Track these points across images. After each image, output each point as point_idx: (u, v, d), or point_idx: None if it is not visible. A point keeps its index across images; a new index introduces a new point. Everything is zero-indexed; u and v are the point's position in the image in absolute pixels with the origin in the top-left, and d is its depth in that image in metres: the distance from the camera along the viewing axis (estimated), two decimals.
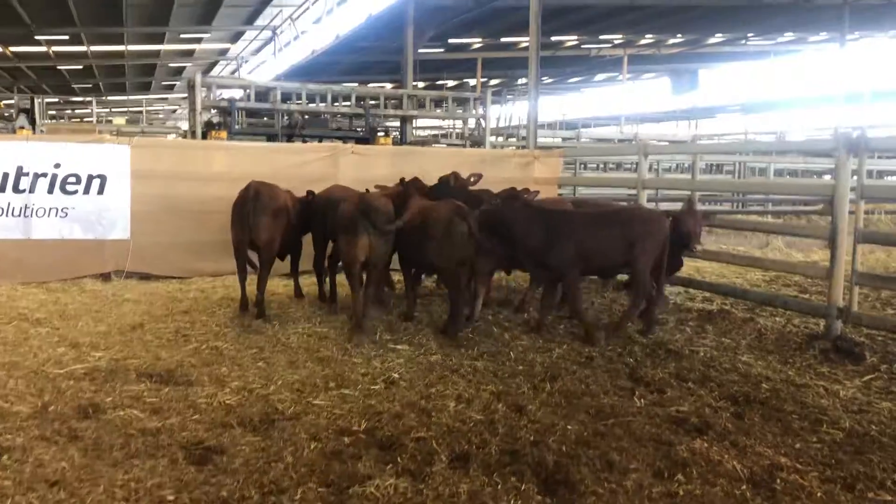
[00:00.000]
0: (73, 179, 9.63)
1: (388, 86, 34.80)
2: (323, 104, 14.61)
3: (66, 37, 31.00)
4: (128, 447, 4.29)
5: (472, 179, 8.80)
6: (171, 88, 52.04)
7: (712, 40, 30.45)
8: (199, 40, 35.25)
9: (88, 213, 9.71)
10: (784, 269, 8.19)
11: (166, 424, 4.64)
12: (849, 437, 4.78)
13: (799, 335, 7.28)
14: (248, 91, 14.57)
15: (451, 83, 41.02)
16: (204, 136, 13.61)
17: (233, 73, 39.20)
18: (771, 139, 24.77)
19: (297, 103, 14.38)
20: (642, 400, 5.41)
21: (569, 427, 4.77)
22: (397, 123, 17.57)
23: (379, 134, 15.21)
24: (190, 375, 5.64)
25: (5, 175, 9.35)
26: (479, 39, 28.03)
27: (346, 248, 7.19)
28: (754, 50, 33.41)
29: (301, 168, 10.52)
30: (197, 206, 10.01)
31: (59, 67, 39.81)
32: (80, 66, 40.20)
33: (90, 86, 47.27)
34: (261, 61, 39.27)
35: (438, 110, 19.25)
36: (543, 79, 43.13)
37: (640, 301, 7.36)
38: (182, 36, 33.38)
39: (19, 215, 9.48)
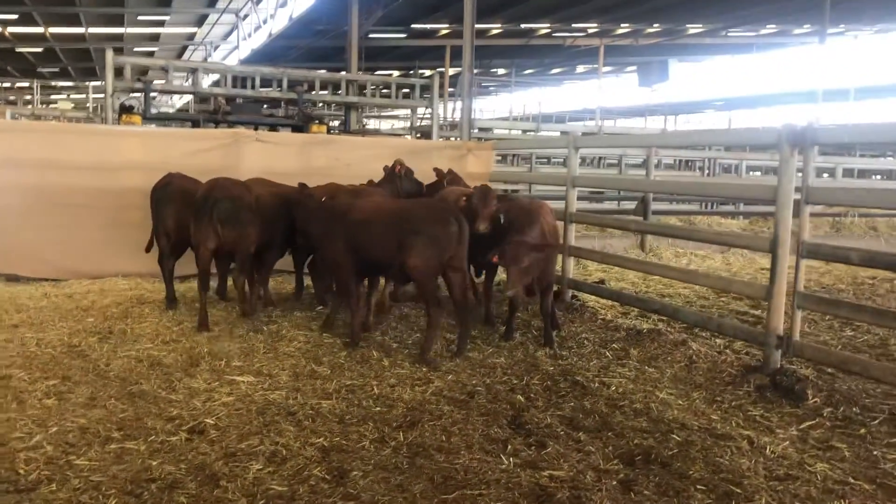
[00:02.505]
0: None
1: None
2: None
3: (16, 16, 29.51)
4: None
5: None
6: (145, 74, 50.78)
7: (692, 30, 29.24)
8: (161, 23, 33.83)
9: None
10: (717, 286, 6.98)
11: None
12: None
13: (734, 365, 6.11)
14: (168, 73, 13.29)
15: (428, 73, 39.78)
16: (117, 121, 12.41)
17: (204, 59, 37.75)
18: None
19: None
20: (511, 459, 4.23)
21: None
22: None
23: (317, 122, 14.00)
24: None
25: None
26: (447, 25, 26.69)
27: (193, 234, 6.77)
28: (735, 43, 32.26)
29: (197, 156, 9.28)
30: (73, 199, 8.82)
31: (18, 50, 38.27)
32: (41, 49, 38.79)
33: (58, 70, 45.70)
34: (233, 47, 37.87)
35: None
36: (524, 70, 42.02)
37: (432, 312, 6.15)
38: (142, 18, 31.95)
39: None
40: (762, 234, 9.18)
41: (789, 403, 5.29)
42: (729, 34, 30.53)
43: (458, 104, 23.94)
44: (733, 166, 19.74)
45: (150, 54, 41.96)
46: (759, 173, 20.96)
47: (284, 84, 13.67)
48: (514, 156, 17.55)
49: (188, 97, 29.31)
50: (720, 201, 15.88)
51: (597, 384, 5.65)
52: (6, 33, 33.87)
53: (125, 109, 12.74)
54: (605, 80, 33.97)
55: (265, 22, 28.28)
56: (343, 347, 6.27)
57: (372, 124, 33.45)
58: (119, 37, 36.11)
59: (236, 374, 5.47)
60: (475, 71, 34.22)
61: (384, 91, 16.89)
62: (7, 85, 37.07)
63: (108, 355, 5.77)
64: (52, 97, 36.41)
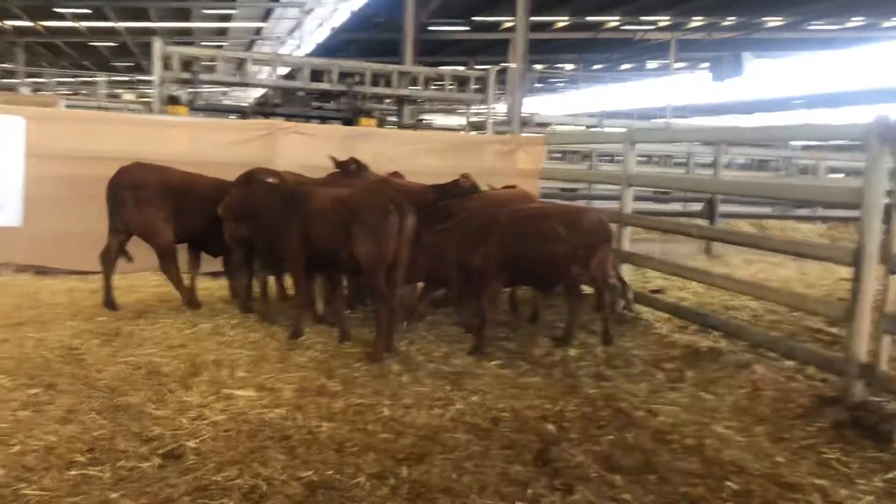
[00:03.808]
0: None
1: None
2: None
3: (89, 10, 30.06)
4: None
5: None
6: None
7: (769, 24, 27.69)
8: (227, 17, 34.05)
9: None
10: (788, 302, 6.09)
11: None
12: None
13: (806, 395, 5.29)
14: (216, 63, 13.00)
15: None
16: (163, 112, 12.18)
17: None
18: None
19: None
20: None
21: None
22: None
23: (366, 116, 13.52)
24: None
25: None
26: (511, 18, 25.87)
27: None
28: (817, 38, 30.48)
29: (232, 148, 8.86)
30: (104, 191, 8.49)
31: (91, 44, 39.15)
32: (115, 44, 39.59)
33: (132, 64, 46.71)
34: (299, 42, 37.87)
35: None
36: (592, 65, 40.83)
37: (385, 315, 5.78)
38: (208, 12, 32.19)
39: None
40: (843, 244, 8.21)
41: (873, 446, 4.47)
42: (810, 28, 28.84)
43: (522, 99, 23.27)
44: (811, 167, 18.48)
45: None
46: (841, 175, 19.57)
47: (335, 76, 13.21)
48: (573, 152, 16.75)
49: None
50: (795, 204, 14.74)
51: (643, 412, 4.92)
52: (80, 28, 34.66)
53: (171, 100, 12.50)
54: (676, 77, 32.63)
55: (328, 16, 28.13)
56: (362, 358, 5.69)
57: (437, 120, 32.98)
58: (188, 31, 36.57)
59: (236, 386, 4.94)
60: (539, 67, 33.25)
61: (449, 85, 16.32)
62: (86, 79, 37.85)
63: (105, 360, 5.32)
64: (119, 91, 37.09)
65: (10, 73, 33.74)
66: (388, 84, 13.78)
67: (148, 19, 32.59)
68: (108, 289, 6.98)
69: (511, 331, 6.85)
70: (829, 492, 3.88)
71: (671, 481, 3.91)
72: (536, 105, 44.68)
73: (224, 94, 42.33)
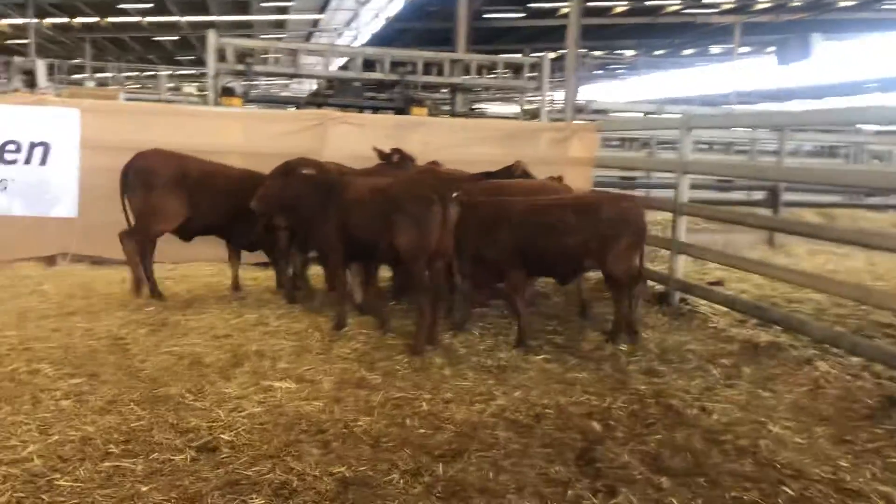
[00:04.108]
0: (12, 147, 8.35)
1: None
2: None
3: (151, 5, 30.70)
4: None
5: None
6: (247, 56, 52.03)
7: (841, 3, 26.55)
8: (285, 10, 34.39)
9: (30, 187, 8.41)
10: (853, 296, 5.71)
11: None
12: None
13: (873, 394, 4.98)
14: (270, 54, 13.04)
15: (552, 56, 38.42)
16: (216, 103, 12.29)
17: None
18: None
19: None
20: None
21: None
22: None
23: (417, 105, 13.40)
24: None
25: None
26: (567, 3, 25.40)
27: None
28: (893, 18, 29.11)
29: (282, 139, 8.85)
30: None
31: (154, 38, 40.07)
32: (177, 38, 40.43)
33: (194, 58, 47.65)
34: (357, 33, 38.01)
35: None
36: (652, 51, 39.92)
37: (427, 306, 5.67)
38: (266, 5, 32.56)
39: None
40: None
41: None
42: (884, 7, 27.55)
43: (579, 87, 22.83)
44: (885, 154, 17.65)
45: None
46: None
47: (386, 66, 13.14)
48: (632, 140, 16.33)
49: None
50: (867, 192, 14.06)
51: (695, 410, 4.70)
52: (143, 22, 35.48)
53: (226, 91, 12.60)
54: (741, 62, 31.65)
55: (383, 7, 28.13)
56: (404, 351, 5.59)
57: (493, 109, 32.71)
58: (248, 24, 37.10)
59: (276, 378, 4.89)
60: (598, 53, 32.59)
61: (504, 73, 16.12)
62: (150, 73, 38.80)
63: (149, 350, 5.34)
64: (182, 84, 37.86)
65: (79, 69, 34.74)
66: (440, 73, 13.64)
67: (208, 13, 33.15)
68: (148, 278, 6.99)
69: (561, 324, 6.66)
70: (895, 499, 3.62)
71: (722, 485, 3.70)
72: (596, 92, 44.00)
73: (285, 86, 42.95)
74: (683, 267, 7.65)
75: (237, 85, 12.89)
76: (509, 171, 7.42)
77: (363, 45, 28.88)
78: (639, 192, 12.15)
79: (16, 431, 3.91)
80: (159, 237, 7.16)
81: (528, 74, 14.44)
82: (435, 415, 4.41)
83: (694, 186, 8.06)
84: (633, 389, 5.04)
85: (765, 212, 10.77)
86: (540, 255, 5.99)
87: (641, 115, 16.57)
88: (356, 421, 4.25)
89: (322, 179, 6.16)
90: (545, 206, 6.15)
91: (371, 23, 30.76)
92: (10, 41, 35.67)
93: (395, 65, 13.36)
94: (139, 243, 7.01)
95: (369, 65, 14.06)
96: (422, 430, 4.18)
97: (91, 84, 26.03)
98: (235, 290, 7.28)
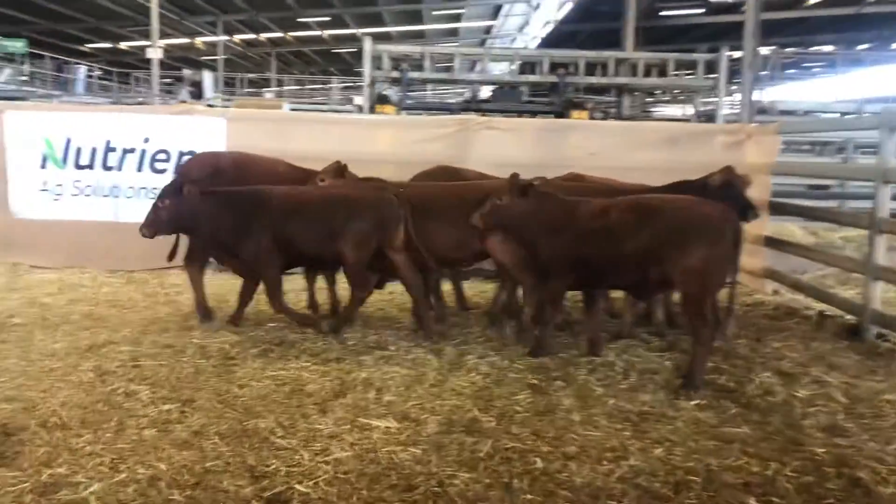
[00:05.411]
0: (162, 156, 8.53)
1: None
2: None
3: (329, 18, 31.87)
4: None
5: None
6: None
7: None
8: (458, 17, 34.54)
9: None
10: None
11: None
12: None
13: None
14: (425, 60, 12.76)
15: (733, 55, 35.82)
16: (371, 111, 12.19)
17: None
18: None
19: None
20: None
21: None
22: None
23: (584, 108, 12.59)
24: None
25: (93, 150, 8.50)
26: None
27: None
28: None
29: (419, 147, 8.43)
30: None
31: (334, 51, 41.70)
32: (355, 49, 41.81)
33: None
34: (532, 37, 37.51)
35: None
36: (855, 46, 36.21)
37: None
38: (438, 13, 32.82)
39: (108, 195, 8.58)
40: None
41: None
42: None
43: (765, 87, 20.92)
44: None
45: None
46: None
47: (545, 67, 12.44)
48: (824, 144, 14.50)
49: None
50: None
51: (892, 488, 3.62)
52: (324, 35, 37.02)
53: (380, 99, 12.46)
54: None
55: (555, 10, 27.34)
56: (528, 387, 4.87)
57: (668, 111, 30.94)
58: (421, 34, 37.68)
59: (377, 414, 4.34)
60: (790, 49, 29.99)
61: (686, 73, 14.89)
62: (323, 85, 40.48)
63: (254, 374, 4.98)
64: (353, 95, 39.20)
65: (265, 82, 36.86)
66: (605, 74, 12.75)
67: (383, 24, 33.96)
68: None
69: (725, 359, 5.64)
70: None
71: None
72: (787, 92, 40.58)
73: (459, 94, 43.27)
74: (882, 295, 6.36)
75: (392, 92, 12.72)
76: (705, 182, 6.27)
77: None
78: (830, 204, 10.62)
79: (86, 465, 3.61)
80: None
81: (705, 74, 13.20)
82: (549, 475, 3.66)
83: None
84: (808, 453, 4.01)
85: None
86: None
87: (837, 115, 14.73)
88: (454, 477, 3.59)
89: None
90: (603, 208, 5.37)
91: (541, 27, 30.07)
92: (204, 57, 38.46)
93: (556, 66, 12.63)
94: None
95: (530, 68, 13.44)
96: (528, 497, 3.46)
97: (269, 95, 27.31)
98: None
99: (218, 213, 5.85)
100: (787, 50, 34.86)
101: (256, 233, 5.83)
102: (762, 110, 14.76)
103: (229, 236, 5.91)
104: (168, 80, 28.42)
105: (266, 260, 5.90)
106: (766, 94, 20.82)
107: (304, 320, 6.18)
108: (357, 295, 6.08)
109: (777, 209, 8.02)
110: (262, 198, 5.98)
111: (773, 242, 7.98)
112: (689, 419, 4.45)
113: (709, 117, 13.09)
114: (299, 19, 32.05)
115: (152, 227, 5.86)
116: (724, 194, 5.86)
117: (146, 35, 23.13)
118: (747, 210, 6.03)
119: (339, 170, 6.57)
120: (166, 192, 5.94)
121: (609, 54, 12.70)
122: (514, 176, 5.64)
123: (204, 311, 6.38)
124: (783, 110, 14.57)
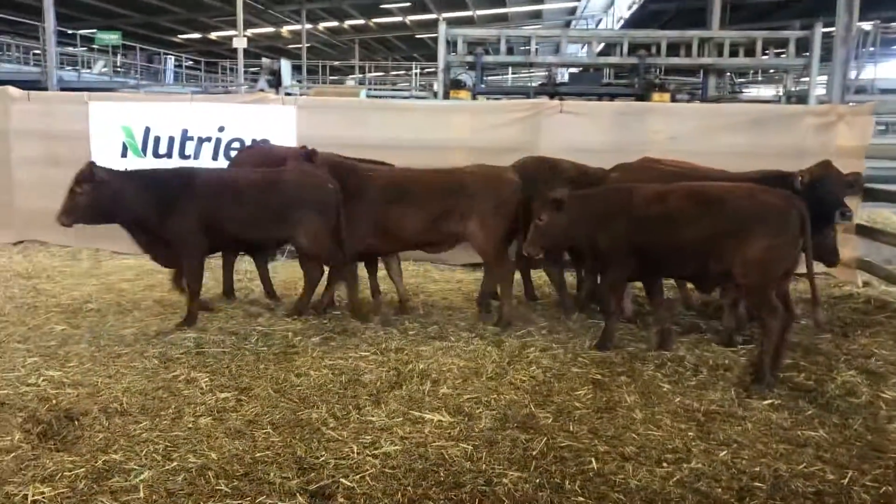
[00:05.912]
0: (237, 145, 8.64)
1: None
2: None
3: (410, 3, 31.84)
4: None
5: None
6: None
7: None
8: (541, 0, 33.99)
9: None
10: None
11: None
12: None
13: None
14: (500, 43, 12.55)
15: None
16: (446, 96, 12.10)
17: None
18: None
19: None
20: None
21: None
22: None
23: (666, 90, 12.15)
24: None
25: (171, 139, 8.70)
26: None
27: None
28: None
29: (489, 133, 8.30)
30: None
31: (417, 37, 41.67)
32: (437, 35, 41.66)
33: None
34: (618, 18, 36.56)
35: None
36: None
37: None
38: None
39: None
40: None
41: None
42: None
43: (866, 64, 19.71)
44: None
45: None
46: None
47: (625, 48, 12.05)
48: None
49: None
50: None
51: None
52: (406, 21, 37.06)
53: (455, 84, 12.35)
54: None
55: None
56: (589, 381, 4.70)
57: (762, 92, 29.61)
58: (504, 17, 37.26)
59: (431, 407, 4.26)
60: None
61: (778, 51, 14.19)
62: (405, 72, 40.61)
63: (312, 362, 4.97)
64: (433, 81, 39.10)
65: (349, 70, 37.25)
66: (688, 54, 12.26)
67: (466, 8, 33.72)
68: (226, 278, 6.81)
69: (804, 356, 5.32)
70: None
71: None
72: (890, 70, 38.21)
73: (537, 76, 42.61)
74: None
75: (467, 77, 12.58)
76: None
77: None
78: None
79: (140, 452, 3.66)
80: None
81: (799, 52, 12.53)
82: (604, 477, 3.50)
83: None
84: (891, 461, 3.72)
85: None
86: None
87: None
88: (503, 476, 3.48)
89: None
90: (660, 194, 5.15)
91: (630, 8, 29.22)
92: (289, 46, 39.14)
93: (637, 48, 12.21)
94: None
95: (612, 50, 13.05)
96: (582, 498, 3.31)
97: (351, 83, 27.57)
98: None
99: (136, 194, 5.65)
100: (893, 25, 32.80)
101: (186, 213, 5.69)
102: (860, 89, 13.91)
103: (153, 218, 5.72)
104: (254, 70, 29.09)
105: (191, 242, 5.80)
106: (866, 73, 19.54)
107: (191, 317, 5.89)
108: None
109: (870, 195, 7.52)
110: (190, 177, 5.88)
111: (865, 231, 7.52)
112: (760, 420, 4.20)
113: (800, 98, 12.38)
114: (382, 6, 32.17)
115: (70, 214, 5.52)
116: (818, 191, 5.51)
117: (234, 25, 23.68)
118: (841, 210, 5.60)
119: (309, 154, 6.44)
120: (83, 177, 5.50)
121: (692, 34, 12.16)
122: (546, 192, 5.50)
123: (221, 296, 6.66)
124: (884, 89, 13.69)
